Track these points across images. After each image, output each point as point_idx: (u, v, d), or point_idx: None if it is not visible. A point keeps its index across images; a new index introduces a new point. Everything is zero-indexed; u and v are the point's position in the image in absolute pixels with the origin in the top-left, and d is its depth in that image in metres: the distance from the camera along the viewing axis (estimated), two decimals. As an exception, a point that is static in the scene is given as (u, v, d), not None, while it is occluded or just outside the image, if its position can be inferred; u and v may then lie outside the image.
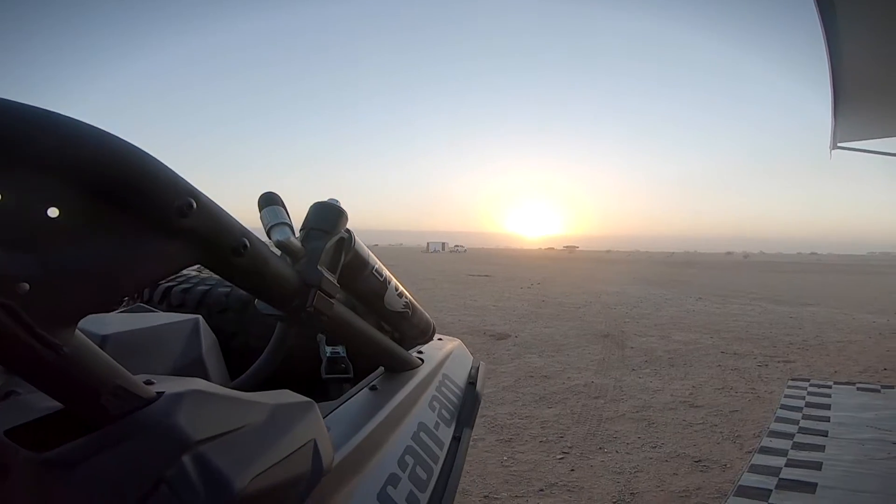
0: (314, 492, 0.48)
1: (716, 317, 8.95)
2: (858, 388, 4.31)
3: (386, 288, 0.86)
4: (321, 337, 1.04)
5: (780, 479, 2.59)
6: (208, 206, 0.41)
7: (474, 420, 1.03)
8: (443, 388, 1.01)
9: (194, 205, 0.38)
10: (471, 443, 2.90)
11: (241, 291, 1.23)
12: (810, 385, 4.43)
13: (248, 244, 0.46)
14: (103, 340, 0.73)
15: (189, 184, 0.39)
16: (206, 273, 1.35)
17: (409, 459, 0.75)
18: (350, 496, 0.59)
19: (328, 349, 1.01)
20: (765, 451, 2.98)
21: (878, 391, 4.23)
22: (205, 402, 0.37)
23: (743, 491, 2.47)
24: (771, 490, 2.46)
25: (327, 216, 0.69)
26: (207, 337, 0.95)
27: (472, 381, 1.14)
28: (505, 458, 2.94)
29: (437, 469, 0.80)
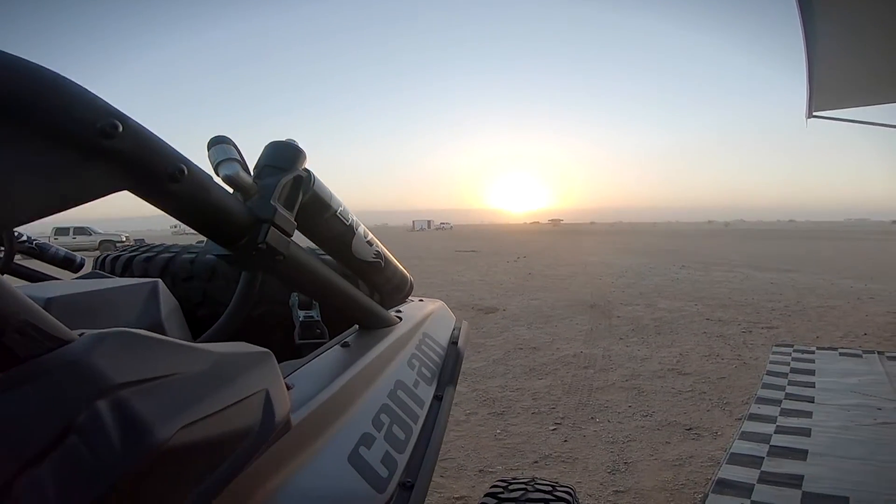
0: (272, 451, 0.44)
1: (699, 284, 9.06)
2: (841, 354, 4.39)
3: (353, 233, 0.78)
4: (294, 300, 0.97)
5: (770, 445, 2.61)
6: (139, 129, 0.38)
7: (457, 378, 0.97)
8: (423, 347, 0.96)
9: (120, 126, 0.36)
10: (463, 417, 2.85)
11: (208, 257, 1.16)
12: (794, 351, 4.50)
13: (187, 170, 0.43)
14: (47, 303, 0.65)
15: (117, 109, 0.37)
16: (172, 242, 1.29)
17: (385, 418, 0.68)
18: (315, 457, 0.53)
19: (301, 313, 0.95)
20: (754, 418, 3.01)
21: (860, 356, 4.31)
22: (132, 344, 0.33)
23: (735, 458, 2.49)
24: (763, 457, 2.48)
25: (283, 153, 0.63)
26: (168, 302, 0.87)
27: (454, 342, 1.08)
28: (498, 431, 2.92)
29: (416, 429, 0.74)
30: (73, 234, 24.06)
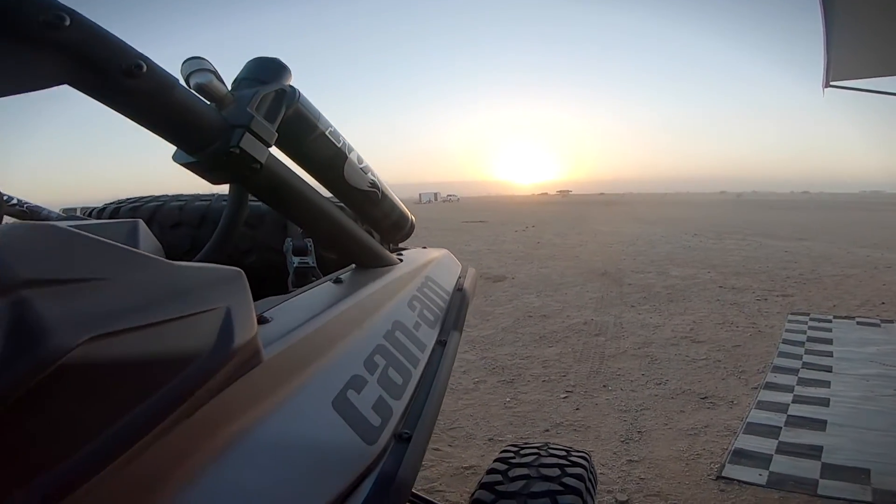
0: (238, 387, 0.39)
1: (712, 252, 8.91)
2: (858, 323, 4.29)
3: (345, 157, 0.70)
4: (288, 245, 0.91)
5: (788, 415, 2.55)
6: (89, 24, 0.37)
7: (462, 323, 0.89)
8: (425, 290, 0.88)
9: (67, 20, 0.35)
10: (472, 385, 2.80)
11: (197, 203, 1.10)
12: (810, 319, 4.40)
13: (146, 66, 0.40)
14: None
15: (67, 6, 0.36)
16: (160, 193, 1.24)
17: (380, 360, 0.61)
18: (292, 398, 0.46)
19: (296, 259, 0.90)
20: (770, 387, 2.94)
21: (878, 325, 4.21)
22: (53, 238, 0.29)
23: (752, 428, 2.43)
24: (781, 427, 2.42)
25: (265, 67, 0.59)
26: (148, 242, 0.82)
27: (460, 289, 1.01)
28: (508, 399, 2.88)
29: (416, 374, 0.66)
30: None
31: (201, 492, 0.34)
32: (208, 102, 0.50)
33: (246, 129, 0.50)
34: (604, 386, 3.03)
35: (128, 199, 1.19)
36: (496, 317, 4.70)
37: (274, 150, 0.56)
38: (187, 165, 0.51)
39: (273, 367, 0.45)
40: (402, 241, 0.98)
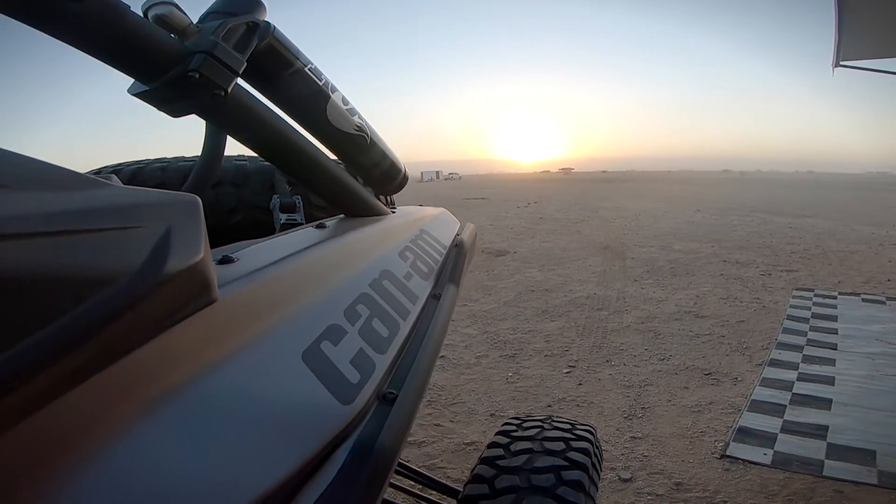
0: (183, 329, 0.33)
1: (715, 227, 8.83)
2: (864, 300, 4.25)
3: (328, 96, 0.64)
4: (275, 202, 0.86)
5: (793, 393, 2.52)
6: None
7: (459, 277, 0.82)
8: (420, 242, 0.82)
9: None
10: (474, 360, 2.74)
11: (180, 164, 1.04)
12: (815, 295, 4.36)
13: None
14: None
15: None
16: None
17: (363, 310, 0.54)
18: (253, 347, 0.39)
19: (283, 216, 0.86)
20: (775, 363, 2.91)
21: (884, 303, 4.17)
22: None
23: (757, 406, 2.40)
24: (785, 406, 2.39)
25: (237, 1, 0.54)
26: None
27: (458, 244, 0.95)
28: (510, 374, 2.85)
29: (405, 326, 0.59)
30: None
31: (128, 454, 0.28)
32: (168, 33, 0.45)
33: (207, 53, 0.45)
34: (607, 361, 3.00)
35: (107, 165, 1.12)
36: (498, 291, 4.65)
37: (250, 89, 0.52)
38: (142, 96, 0.46)
39: (230, 310, 0.38)
40: (395, 192, 0.93)
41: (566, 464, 0.86)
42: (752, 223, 9.47)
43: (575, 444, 0.91)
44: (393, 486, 1.38)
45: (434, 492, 1.33)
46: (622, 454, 2.06)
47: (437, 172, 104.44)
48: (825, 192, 23.82)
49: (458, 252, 0.88)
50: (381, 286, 0.60)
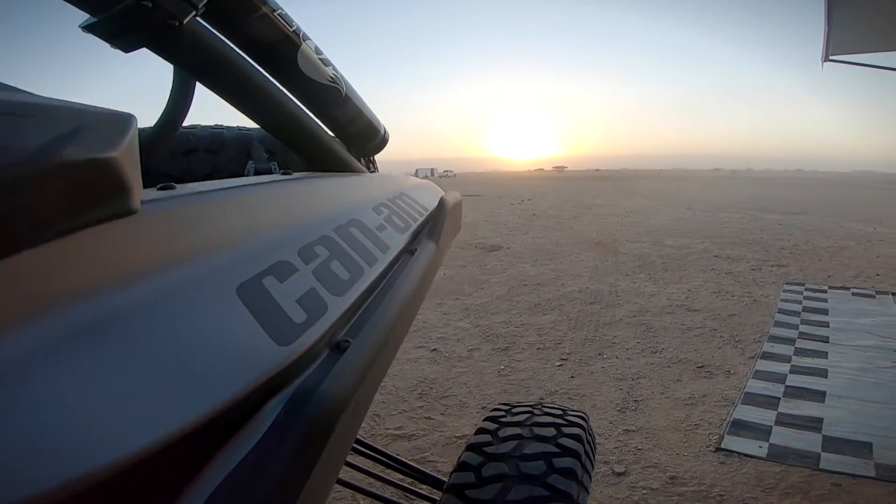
0: (91, 239, 0.29)
1: (707, 224, 8.86)
2: (853, 294, 4.26)
3: (298, 44, 0.60)
4: (250, 167, 0.81)
5: (786, 386, 2.50)
6: None
7: (439, 236, 0.78)
8: (398, 201, 0.78)
9: None
10: (466, 353, 2.69)
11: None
12: (805, 289, 4.37)
13: None
14: None
15: None
16: None
17: (322, 251, 0.50)
18: (176, 272, 0.34)
19: None
20: (767, 356, 2.90)
21: (873, 296, 4.18)
22: None
23: (750, 399, 2.38)
24: (779, 398, 2.37)
25: None
26: None
27: (440, 204, 0.92)
28: (502, 367, 2.81)
29: (370, 273, 0.55)
30: None
31: (5, 370, 0.23)
32: None
33: None
34: (599, 354, 2.97)
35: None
36: (491, 285, 4.61)
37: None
38: (92, 28, 0.41)
39: (154, 226, 0.34)
40: (374, 153, 0.89)
41: (557, 450, 0.81)
42: (743, 220, 9.51)
43: (566, 430, 0.87)
44: (379, 478, 1.33)
45: (424, 486, 1.29)
46: (616, 447, 2.03)
47: (433, 170, 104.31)
48: (814, 189, 24.06)
49: (440, 210, 0.84)
50: (348, 232, 0.56)
